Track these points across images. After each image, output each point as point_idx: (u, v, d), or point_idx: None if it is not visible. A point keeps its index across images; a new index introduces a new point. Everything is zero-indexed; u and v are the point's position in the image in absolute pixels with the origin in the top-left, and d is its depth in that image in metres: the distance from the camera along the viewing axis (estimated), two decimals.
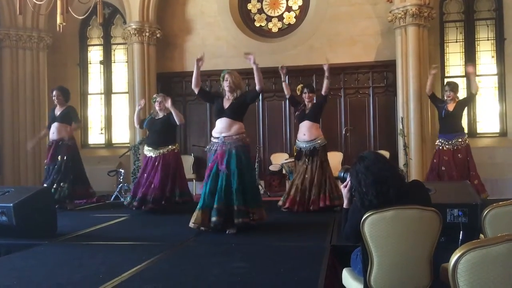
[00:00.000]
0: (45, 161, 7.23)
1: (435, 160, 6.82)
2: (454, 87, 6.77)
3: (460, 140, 6.66)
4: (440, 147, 6.74)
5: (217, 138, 5.04)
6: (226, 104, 5.10)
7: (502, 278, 1.60)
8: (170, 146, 6.63)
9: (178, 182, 6.63)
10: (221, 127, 5.05)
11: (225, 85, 5.12)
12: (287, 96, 6.95)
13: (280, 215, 5.98)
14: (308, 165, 6.37)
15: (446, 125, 6.75)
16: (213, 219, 4.78)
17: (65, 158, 7.06)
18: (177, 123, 6.48)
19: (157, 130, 6.63)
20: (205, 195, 4.93)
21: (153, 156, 6.57)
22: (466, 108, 7.26)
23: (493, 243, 1.60)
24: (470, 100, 6.92)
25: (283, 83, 6.94)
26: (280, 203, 6.41)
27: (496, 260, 1.59)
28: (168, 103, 6.44)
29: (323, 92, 6.57)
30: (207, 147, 5.23)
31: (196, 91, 5.40)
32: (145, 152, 6.73)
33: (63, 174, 7.03)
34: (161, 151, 6.55)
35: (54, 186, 6.90)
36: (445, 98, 6.80)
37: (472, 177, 6.39)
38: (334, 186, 6.35)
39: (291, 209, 6.22)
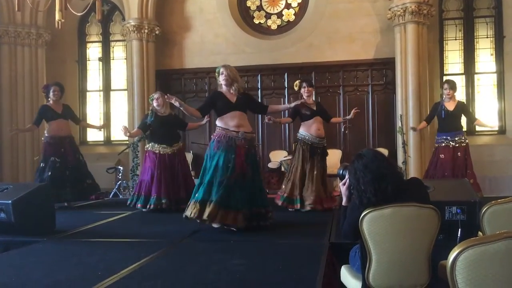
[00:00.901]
0: (52, 158, 6.80)
1: (435, 158, 6.80)
2: (453, 85, 6.75)
3: (461, 138, 6.63)
4: (442, 144, 6.68)
5: (237, 132, 4.82)
6: (232, 98, 4.93)
7: (501, 276, 1.60)
8: (181, 143, 6.61)
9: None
10: (237, 122, 4.85)
11: (221, 79, 4.94)
12: (291, 121, 6.70)
13: (278, 212, 5.96)
14: (318, 163, 6.25)
15: (447, 125, 6.67)
16: (246, 223, 4.70)
17: (78, 156, 7.14)
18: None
19: (170, 127, 6.41)
20: (224, 192, 4.70)
21: (169, 153, 6.35)
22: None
23: (491, 241, 1.60)
24: (468, 112, 7.01)
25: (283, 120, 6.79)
26: (294, 206, 6.13)
27: (495, 258, 1.59)
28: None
29: (332, 119, 6.57)
30: (220, 138, 4.85)
31: (201, 116, 5.18)
32: (159, 150, 6.35)
33: (86, 172, 7.17)
34: (176, 148, 6.43)
35: (72, 186, 6.92)
36: (444, 96, 6.78)
37: (468, 176, 6.36)
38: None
39: (315, 207, 6.00)
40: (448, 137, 6.64)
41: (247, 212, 4.73)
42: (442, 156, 6.62)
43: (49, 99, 7.01)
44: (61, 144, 6.92)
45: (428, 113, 7.46)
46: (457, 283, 1.62)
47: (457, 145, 6.60)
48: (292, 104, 5.93)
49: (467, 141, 6.74)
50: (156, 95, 6.46)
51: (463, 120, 7.00)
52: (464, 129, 9.15)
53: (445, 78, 9.54)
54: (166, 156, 6.33)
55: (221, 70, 4.98)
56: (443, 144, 6.66)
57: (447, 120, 6.67)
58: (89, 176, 7.19)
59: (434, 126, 7.58)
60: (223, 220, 4.68)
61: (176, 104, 4.83)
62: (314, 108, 6.32)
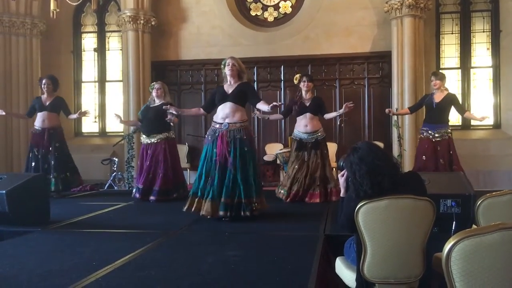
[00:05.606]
0: (36, 149, 7.03)
1: (420, 150, 6.75)
2: (440, 76, 6.64)
3: (441, 131, 6.48)
4: (423, 135, 6.64)
5: (221, 124, 4.96)
6: (229, 89, 5.04)
7: (496, 267, 1.60)
8: (164, 134, 6.59)
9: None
10: (225, 113, 4.96)
11: (227, 69, 5.05)
12: (282, 118, 7.00)
13: (274, 204, 5.97)
14: (309, 157, 6.29)
15: (430, 117, 6.62)
16: (221, 213, 4.82)
17: (57, 145, 7.10)
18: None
19: (150, 118, 6.57)
20: (209, 184, 4.90)
21: (148, 143, 6.57)
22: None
23: (487, 232, 1.60)
24: (457, 103, 6.73)
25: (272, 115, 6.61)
26: (281, 196, 6.33)
27: (490, 249, 1.59)
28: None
29: (325, 115, 6.48)
30: (208, 132, 5.12)
31: (206, 113, 5.52)
32: (142, 140, 6.73)
33: (65, 163, 7.15)
34: (155, 139, 6.53)
35: (55, 175, 6.99)
36: (432, 87, 6.70)
37: (454, 171, 6.28)
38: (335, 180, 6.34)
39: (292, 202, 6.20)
40: (429, 130, 6.56)
41: (219, 202, 4.83)
42: (426, 146, 6.55)
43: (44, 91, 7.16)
44: (43, 135, 7.04)
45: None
46: (452, 274, 1.62)
47: (438, 138, 6.49)
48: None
49: (449, 134, 6.54)
50: (157, 85, 6.66)
51: (456, 114, 6.90)
52: (460, 122, 9.22)
53: (441, 72, 9.54)
54: (147, 147, 6.58)
55: (228, 61, 5.09)
56: (424, 135, 6.62)
57: (431, 112, 6.60)
58: (68, 170, 7.19)
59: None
60: (197, 210, 4.89)
61: (174, 112, 5.20)
62: (307, 104, 6.37)
